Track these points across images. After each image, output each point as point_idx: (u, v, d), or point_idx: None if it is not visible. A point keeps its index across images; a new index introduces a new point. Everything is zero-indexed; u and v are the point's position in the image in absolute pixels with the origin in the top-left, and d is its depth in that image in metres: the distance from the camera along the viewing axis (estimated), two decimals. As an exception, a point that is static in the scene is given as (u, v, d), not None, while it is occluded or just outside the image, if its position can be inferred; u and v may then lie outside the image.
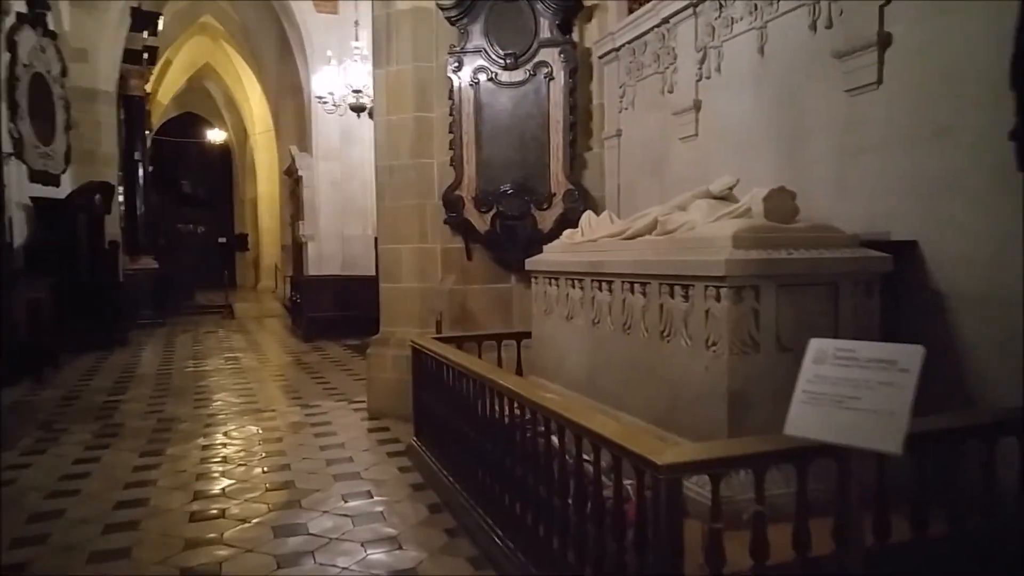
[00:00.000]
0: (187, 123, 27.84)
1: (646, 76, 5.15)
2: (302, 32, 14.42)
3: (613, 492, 2.19)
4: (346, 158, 14.48)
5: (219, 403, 7.25)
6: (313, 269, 14.36)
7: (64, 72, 12.51)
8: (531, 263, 4.71)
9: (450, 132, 5.88)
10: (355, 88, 10.47)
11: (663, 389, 3.09)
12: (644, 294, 3.27)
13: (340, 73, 10.76)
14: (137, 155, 15.60)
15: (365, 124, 14.08)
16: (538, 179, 5.72)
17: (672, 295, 3.03)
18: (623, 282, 3.45)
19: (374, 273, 14.08)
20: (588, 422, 2.33)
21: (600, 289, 3.72)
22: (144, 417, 6.66)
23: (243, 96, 24.80)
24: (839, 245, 2.90)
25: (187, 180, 30.69)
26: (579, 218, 5.55)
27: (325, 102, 10.85)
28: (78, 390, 8.13)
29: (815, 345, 1.93)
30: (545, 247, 4.70)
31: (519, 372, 5.20)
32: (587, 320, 3.86)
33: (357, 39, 10.96)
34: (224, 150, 28.63)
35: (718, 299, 2.72)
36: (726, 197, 3.31)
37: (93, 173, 13.03)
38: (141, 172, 15.90)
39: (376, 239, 14.37)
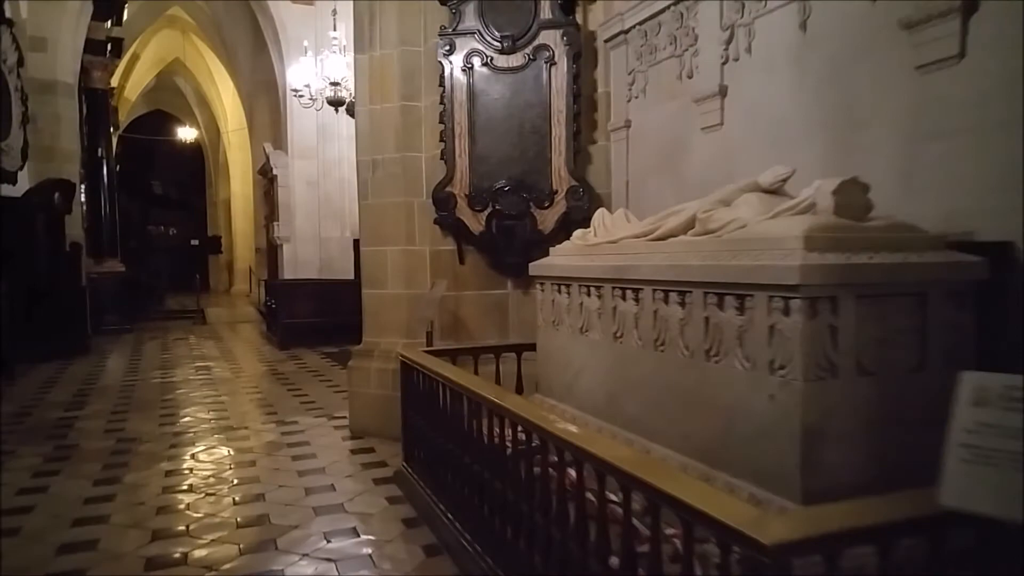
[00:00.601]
0: (157, 121, 27.02)
1: (660, 60, 4.67)
2: (276, 24, 13.79)
3: (682, 570, 1.69)
4: (323, 156, 13.88)
5: (187, 419, 6.65)
6: (289, 272, 13.74)
7: (21, 62, 11.76)
8: (536, 268, 4.21)
9: (441, 123, 5.36)
10: (333, 81, 9.89)
11: (709, 419, 2.60)
12: (683, 305, 2.78)
13: (317, 65, 10.18)
14: (100, 151, 14.85)
15: (343, 120, 13.51)
16: (538, 175, 5.22)
17: (721, 307, 2.54)
18: (654, 291, 2.95)
19: (353, 277, 13.58)
20: (652, 477, 1.83)
21: (624, 298, 3.22)
22: (102, 437, 6.06)
23: (215, 93, 24.05)
24: (924, 247, 2.42)
25: (158, 181, 29.89)
26: (583, 218, 5.09)
27: (301, 95, 10.26)
28: (31, 405, 7.48)
29: (972, 382, 1.45)
30: (552, 250, 4.19)
31: (519, 389, 4.71)
32: (607, 334, 3.36)
33: (335, 29, 10.39)
34: (196, 150, 27.83)
35: (787, 312, 2.23)
36: (776, 191, 2.83)
37: (53, 170, 12.30)
38: (106, 170, 15.17)
39: (355, 241, 13.87)
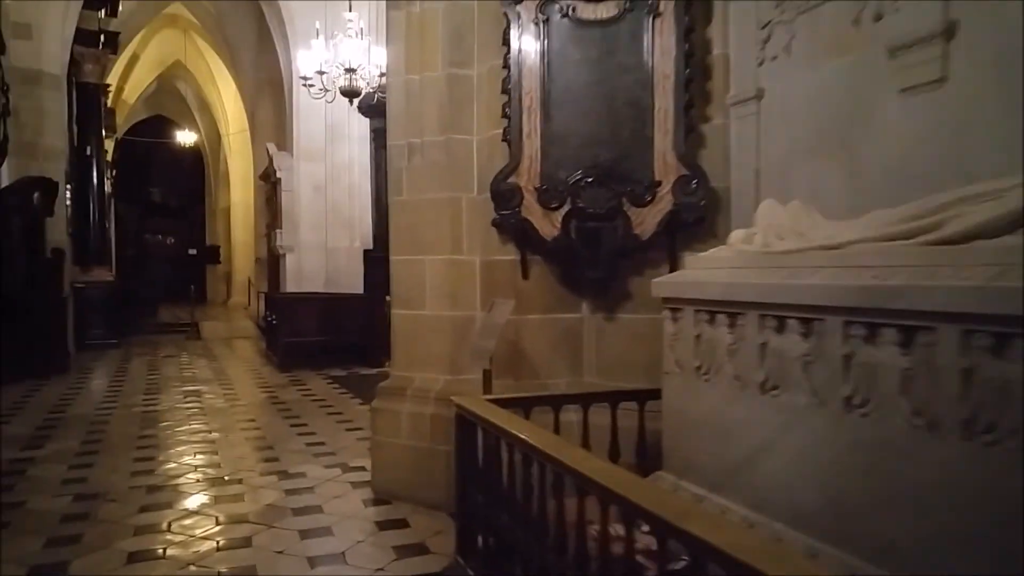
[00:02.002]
0: (157, 126, 25.86)
1: (816, 5, 3.40)
2: (283, 12, 12.55)
3: None
4: (331, 159, 12.61)
5: (168, 467, 5.33)
6: (292, 285, 12.44)
7: (2, 49, 10.56)
8: (667, 286, 2.92)
9: (503, 93, 4.09)
10: (348, 67, 8.63)
11: None
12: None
13: (329, 50, 8.92)
14: (90, 150, 13.58)
15: (355, 119, 12.27)
16: (635, 161, 3.93)
17: None
18: (968, 333, 1.66)
19: (363, 291, 12.27)
20: None
21: (872, 341, 1.92)
22: (57, 492, 4.73)
23: (216, 96, 22.90)
24: None
25: (157, 188, 28.77)
26: (698, 219, 3.84)
27: (311, 84, 8.99)
28: (-18, 441, 6.18)
29: None
30: (691, 260, 2.92)
31: (612, 454, 3.42)
32: (828, 399, 2.06)
33: (351, 10, 9.17)
34: (196, 157, 26.68)
35: None
36: None
37: (35, 168, 11.03)
38: (96, 171, 13.89)
39: (366, 252, 12.54)
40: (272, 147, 13.20)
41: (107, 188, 15.47)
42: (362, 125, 12.46)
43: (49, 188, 10.79)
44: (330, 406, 7.59)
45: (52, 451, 5.80)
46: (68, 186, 12.25)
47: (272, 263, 14.01)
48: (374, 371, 10.09)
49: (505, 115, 4.08)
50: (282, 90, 13.81)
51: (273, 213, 13.59)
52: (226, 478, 4.98)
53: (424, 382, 4.45)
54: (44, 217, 10.77)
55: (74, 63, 12.77)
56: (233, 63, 18.12)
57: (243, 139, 20.60)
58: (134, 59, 20.75)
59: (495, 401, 3.26)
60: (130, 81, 21.55)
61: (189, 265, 26.19)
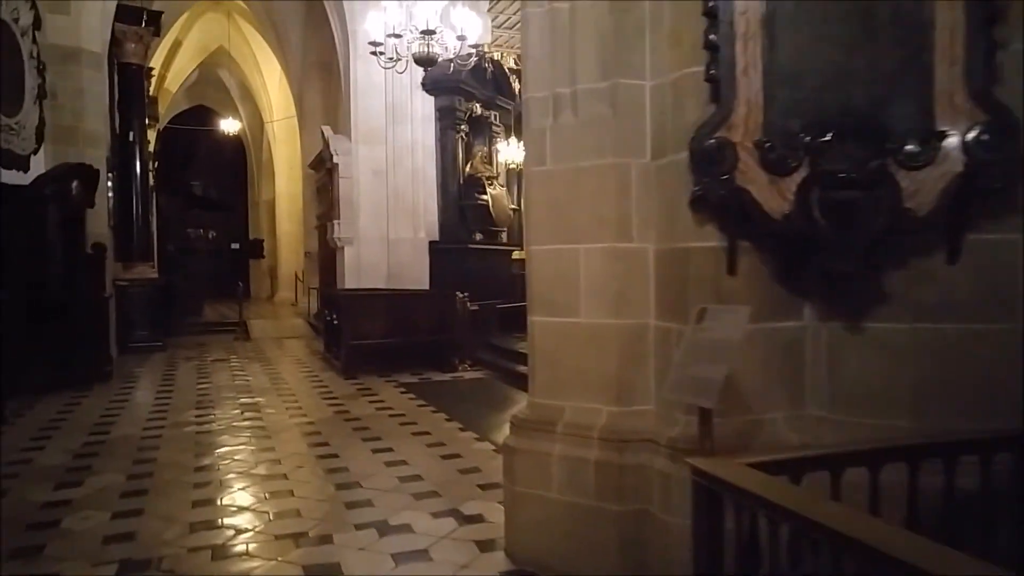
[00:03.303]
0: (199, 117, 25.17)
1: None
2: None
3: None
4: (392, 141, 11.48)
5: (232, 513, 4.27)
6: (351, 281, 11.39)
7: (38, 24, 9.63)
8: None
9: (704, 15, 2.88)
10: (425, 29, 7.47)
11: None
12: None
13: (402, 11, 7.76)
14: (132, 135, 12.65)
15: (418, 96, 11.22)
16: (904, 104, 2.71)
17: None
18: None
19: (429, 287, 11.18)
20: None
21: None
22: (98, 558, 3.63)
23: (260, 83, 22.10)
24: None
25: (198, 181, 28.10)
26: (1003, 185, 2.62)
27: (382, 52, 7.83)
28: (12, 473, 5.17)
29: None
30: None
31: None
32: None
33: (422, -32, 8.02)
34: (238, 149, 25.94)
35: None
36: None
37: (74, 155, 10.09)
38: (139, 159, 12.95)
39: (432, 243, 11.44)
40: (328, 130, 12.14)
41: (150, 179, 14.58)
42: (426, 104, 11.39)
43: (89, 176, 9.85)
44: (413, 423, 6.49)
45: (93, 490, 4.75)
46: (110, 175, 11.34)
47: (326, 257, 13.00)
48: (448, 376, 9.06)
49: (708, 46, 2.87)
50: (333, 72, 12.81)
51: (328, 203, 12.55)
52: (310, 534, 3.87)
53: (579, 415, 3.29)
54: (84, 208, 9.84)
55: (115, 42, 11.86)
56: (280, 46, 17.21)
57: (288, 127, 19.73)
58: (176, 45, 19.98)
59: (756, 466, 2.08)
60: (172, 69, 20.78)
61: (232, 260, 25.46)
